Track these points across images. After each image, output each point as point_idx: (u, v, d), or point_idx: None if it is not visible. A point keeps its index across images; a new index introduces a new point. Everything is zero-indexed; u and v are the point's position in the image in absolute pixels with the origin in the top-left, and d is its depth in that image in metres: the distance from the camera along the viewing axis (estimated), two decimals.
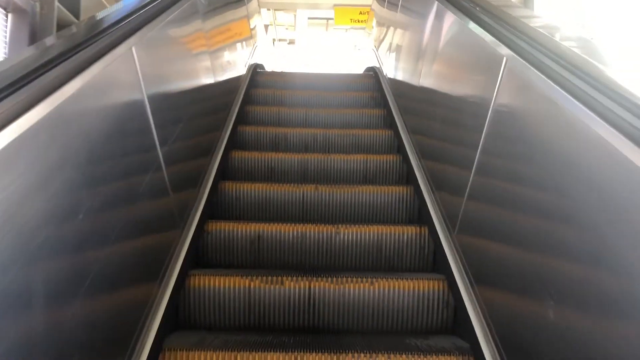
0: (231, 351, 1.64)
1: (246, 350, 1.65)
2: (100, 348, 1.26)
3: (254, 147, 3.22)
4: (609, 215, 0.96)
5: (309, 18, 12.81)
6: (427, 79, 2.62)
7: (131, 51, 1.49)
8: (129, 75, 1.50)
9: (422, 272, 2.20)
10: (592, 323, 1.00)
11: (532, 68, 1.36)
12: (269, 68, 6.19)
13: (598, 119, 1.00)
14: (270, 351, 1.65)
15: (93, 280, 1.19)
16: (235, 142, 3.19)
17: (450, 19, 2.29)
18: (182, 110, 2.11)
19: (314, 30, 13.53)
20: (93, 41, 1.30)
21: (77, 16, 3.04)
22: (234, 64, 3.62)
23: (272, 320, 1.95)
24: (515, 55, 1.50)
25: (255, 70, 4.58)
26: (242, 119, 3.52)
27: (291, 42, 13.58)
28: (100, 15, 1.63)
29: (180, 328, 1.95)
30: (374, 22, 6.44)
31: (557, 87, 1.20)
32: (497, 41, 1.65)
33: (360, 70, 5.97)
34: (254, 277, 1.96)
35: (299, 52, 13.79)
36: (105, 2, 4.17)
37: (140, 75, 1.54)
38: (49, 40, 1.48)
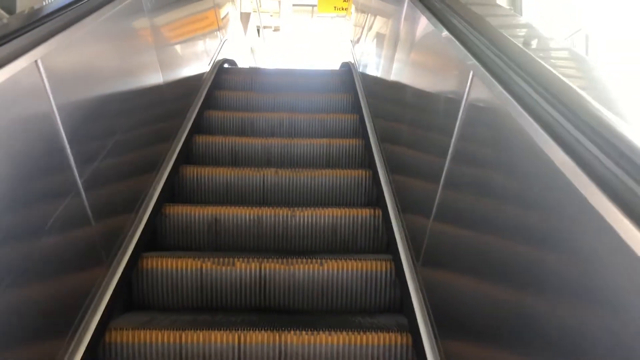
0: (177, 330, 1.68)
1: (192, 330, 1.69)
2: (40, 328, 1.29)
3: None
4: (531, 206, 0.97)
5: (294, 5, 12.77)
6: (395, 77, 2.54)
7: (36, 64, 1.29)
8: (31, 91, 1.29)
9: (374, 253, 2.24)
10: (511, 303, 1.03)
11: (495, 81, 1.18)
12: (247, 63, 5.78)
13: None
14: (216, 330, 1.69)
15: (28, 263, 1.22)
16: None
17: (421, 20, 2.05)
18: (122, 115, 1.96)
19: (299, 18, 13.49)
20: None
21: (11, 13, 2.89)
22: (192, 62, 3.37)
23: (224, 301, 1.98)
24: (482, 68, 1.28)
25: (222, 67, 4.27)
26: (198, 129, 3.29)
27: (276, 29, 13.53)
28: (12, 17, 1.41)
29: (133, 309, 1.98)
30: (352, 9, 6.43)
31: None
32: (466, 51, 1.41)
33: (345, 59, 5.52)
34: (206, 259, 1.99)
35: (283, 40, 13.73)
36: None
37: (48, 88, 1.34)
38: None
